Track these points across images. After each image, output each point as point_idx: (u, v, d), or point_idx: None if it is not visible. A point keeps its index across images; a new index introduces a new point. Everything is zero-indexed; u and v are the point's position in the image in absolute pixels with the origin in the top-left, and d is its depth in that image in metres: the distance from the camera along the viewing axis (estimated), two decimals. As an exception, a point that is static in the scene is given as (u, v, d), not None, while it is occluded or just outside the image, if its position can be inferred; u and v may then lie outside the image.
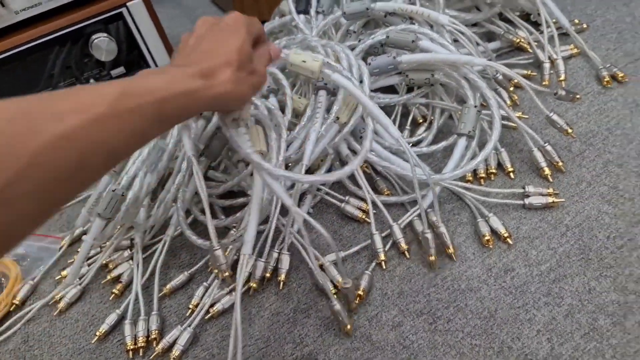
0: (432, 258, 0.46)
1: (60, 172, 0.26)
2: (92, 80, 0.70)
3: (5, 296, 0.52)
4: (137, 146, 0.32)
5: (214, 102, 0.35)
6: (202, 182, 0.48)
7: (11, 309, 0.52)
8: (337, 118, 0.52)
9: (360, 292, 0.46)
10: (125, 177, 0.51)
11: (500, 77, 0.61)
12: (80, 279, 0.53)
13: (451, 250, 0.47)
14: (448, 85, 0.57)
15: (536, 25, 0.70)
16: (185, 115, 0.35)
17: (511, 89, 0.62)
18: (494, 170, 0.54)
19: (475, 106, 0.52)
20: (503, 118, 0.56)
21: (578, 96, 0.54)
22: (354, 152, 0.54)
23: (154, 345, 0.46)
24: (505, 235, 0.47)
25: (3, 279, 0.55)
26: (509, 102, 0.61)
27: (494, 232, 0.48)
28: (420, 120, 0.62)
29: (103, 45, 0.68)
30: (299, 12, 0.66)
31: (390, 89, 0.63)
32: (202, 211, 0.56)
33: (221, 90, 0.35)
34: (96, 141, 0.27)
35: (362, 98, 0.44)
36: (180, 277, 0.51)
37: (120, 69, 0.72)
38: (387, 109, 0.63)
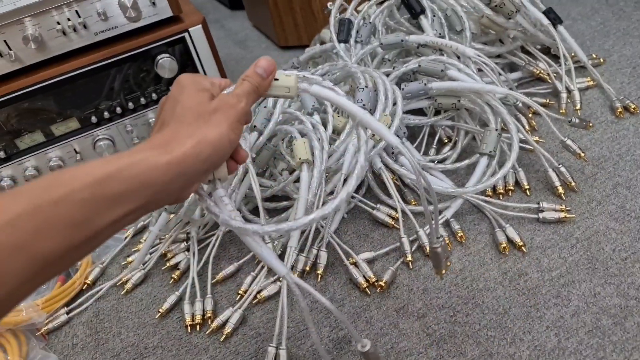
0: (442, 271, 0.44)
1: None
2: (154, 95, 0.80)
3: (79, 276, 0.61)
4: (78, 240, 0.26)
5: (177, 166, 0.30)
6: (257, 184, 0.56)
7: (83, 288, 0.61)
8: (373, 135, 0.59)
9: (382, 284, 0.52)
10: (188, 178, 0.59)
11: (520, 105, 0.67)
12: (143, 265, 0.61)
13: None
14: (472, 110, 0.64)
15: (556, 58, 0.77)
16: (141, 192, 0.29)
17: (530, 115, 0.69)
18: (511, 187, 0.60)
19: (496, 129, 0.59)
20: (521, 141, 0.63)
21: (591, 124, 0.60)
22: (387, 165, 0.61)
23: (209, 323, 0.53)
24: (520, 244, 0.53)
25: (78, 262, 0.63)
26: (527, 127, 0.68)
27: (510, 241, 0.54)
28: (446, 141, 0.69)
29: (167, 65, 0.77)
30: (339, 41, 0.75)
31: (419, 112, 0.70)
32: (251, 212, 0.64)
33: (182, 150, 0.30)
34: (8, 246, 0.24)
35: (348, 106, 0.37)
36: (230, 268, 0.59)
37: (179, 85, 0.81)
38: (416, 130, 0.70)
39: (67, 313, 0.58)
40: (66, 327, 0.57)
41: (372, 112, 0.61)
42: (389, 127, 0.59)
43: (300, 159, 0.56)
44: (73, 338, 0.56)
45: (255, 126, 0.61)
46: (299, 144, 0.56)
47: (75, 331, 0.56)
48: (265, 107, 0.62)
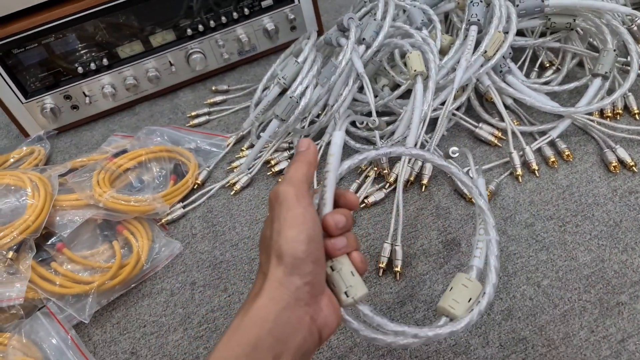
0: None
1: None
2: (246, 10, 0.80)
3: (191, 176, 0.65)
4: None
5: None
6: (372, 93, 0.57)
7: (194, 187, 0.65)
8: (485, 51, 0.59)
9: (487, 192, 0.54)
10: (299, 87, 0.61)
11: (635, 28, 0.65)
12: (249, 169, 0.65)
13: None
14: (587, 30, 0.62)
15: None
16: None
17: (643, 40, 0.66)
18: (620, 111, 0.60)
19: (614, 50, 0.58)
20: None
21: None
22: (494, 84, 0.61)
23: (321, 222, 0.57)
24: (632, 164, 0.54)
25: (186, 165, 0.67)
26: None
27: (620, 161, 0.55)
28: (548, 65, 0.68)
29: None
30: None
31: (518, 33, 0.69)
32: (351, 124, 0.66)
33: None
34: None
35: None
36: (334, 175, 0.61)
37: (269, 1, 0.81)
38: (518, 53, 0.69)
39: (183, 208, 0.62)
40: (183, 220, 0.62)
41: (483, 28, 0.60)
42: (502, 45, 0.59)
43: (415, 70, 0.56)
44: (192, 229, 0.60)
45: (364, 39, 0.61)
46: (413, 56, 0.57)
47: (192, 224, 0.61)
48: (374, 19, 0.62)
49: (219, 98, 0.80)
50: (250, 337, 0.29)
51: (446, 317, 0.36)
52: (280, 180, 0.47)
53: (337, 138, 0.38)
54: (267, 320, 0.29)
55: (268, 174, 0.64)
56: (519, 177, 0.56)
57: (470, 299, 0.36)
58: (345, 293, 0.34)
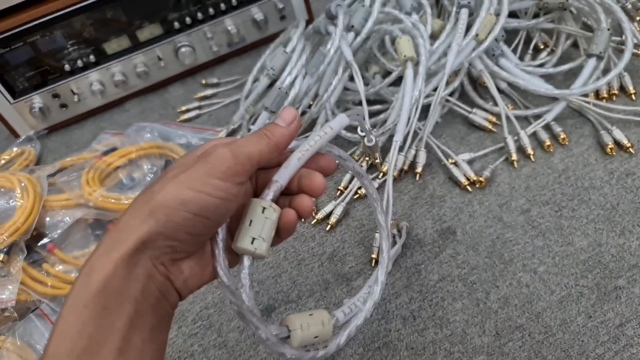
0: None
1: None
2: (233, 0, 0.78)
3: (182, 172, 0.64)
4: None
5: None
6: (361, 82, 0.56)
7: (186, 183, 0.64)
8: (477, 35, 0.57)
9: (482, 179, 0.54)
10: (288, 78, 0.60)
11: (630, 7, 0.64)
12: (241, 163, 0.64)
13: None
14: (580, 10, 0.61)
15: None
16: None
17: (638, 18, 0.65)
18: (616, 92, 0.59)
19: (608, 29, 0.56)
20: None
21: None
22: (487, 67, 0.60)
23: (314, 214, 0.56)
24: (628, 145, 0.53)
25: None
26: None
27: (616, 143, 0.54)
28: (542, 47, 0.67)
29: (247, -33, 0.75)
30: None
31: (511, 15, 0.67)
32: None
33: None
34: None
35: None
36: (327, 167, 0.60)
37: (256, -9, 0.79)
38: (511, 35, 0.68)
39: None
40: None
41: (474, 11, 0.59)
42: (493, 28, 0.58)
43: (405, 56, 0.55)
44: (184, 226, 0.60)
45: (352, 26, 0.60)
46: (403, 41, 0.56)
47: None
48: (363, 5, 0.61)
49: (209, 92, 0.79)
50: (95, 311, 0.27)
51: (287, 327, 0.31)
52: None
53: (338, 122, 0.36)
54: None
55: (260, 167, 0.64)
56: (514, 162, 0.55)
57: (316, 337, 0.30)
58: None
